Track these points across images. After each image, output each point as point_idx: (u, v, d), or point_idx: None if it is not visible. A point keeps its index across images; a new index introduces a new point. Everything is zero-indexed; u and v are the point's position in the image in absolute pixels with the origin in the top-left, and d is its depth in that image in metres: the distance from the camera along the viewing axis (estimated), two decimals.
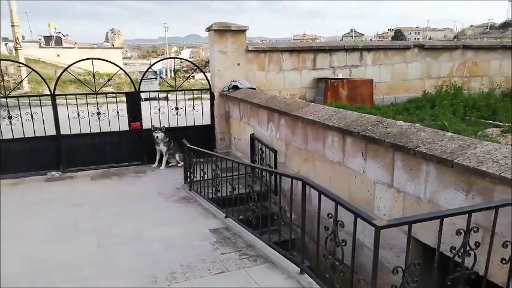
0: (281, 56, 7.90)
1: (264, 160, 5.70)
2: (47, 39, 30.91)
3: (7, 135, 6.40)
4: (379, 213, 3.52)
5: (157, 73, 16.87)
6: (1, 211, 5.17)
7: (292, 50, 8.06)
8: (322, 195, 2.73)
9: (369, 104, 8.05)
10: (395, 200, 3.36)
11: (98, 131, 6.86)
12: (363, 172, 3.70)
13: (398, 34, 78.62)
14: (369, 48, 8.75)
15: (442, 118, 5.88)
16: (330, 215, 2.54)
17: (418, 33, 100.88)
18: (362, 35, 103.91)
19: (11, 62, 13.94)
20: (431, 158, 2.89)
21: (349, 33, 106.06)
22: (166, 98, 10.72)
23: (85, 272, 3.52)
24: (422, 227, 2.83)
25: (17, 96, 7.04)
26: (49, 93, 6.61)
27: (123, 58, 35.96)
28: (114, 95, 7.59)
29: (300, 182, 3.09)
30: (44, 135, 6.62)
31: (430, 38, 77.05)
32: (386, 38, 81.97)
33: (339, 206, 2.50)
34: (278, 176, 3.95)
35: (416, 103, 7.71)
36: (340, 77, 8.40)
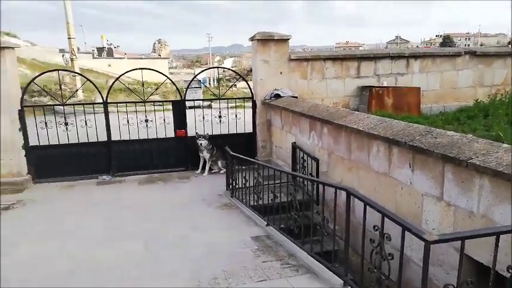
0: (324, 64, 7.86)
1: (306, 169, 5.66)
2: (100, 50, 32.80)
3: (63, 140, 6.83)
4: (428, 227, 3.38)
5: (201, 82, 17.32)
6: (58, 211, 5.53)
7: (335, 58, 7.99)
8: (368, 207, 2.67)
9: (416, 113, 7.78)
10: (445, 214, 3.21)
11: (146, 137, 7.15)
12: (410, 184, 3.58)
13: (447, 40, 75.37)
14: (416, 56, 8.49)
15: (496, 128, 5.55)
16: (376, 228, 2.48)
17: (469, 39, 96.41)
18: (408, 42, 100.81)
19: (66, 72, 14.92)
20: (485, 171, 2.74)
21: (394, 40, 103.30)
22: (209, 106, 10.98)
23: (132, 273, 3.67)
24: (476, 243, 2.69)
25: (73, 104, 7.50)
26: (102, 101, 7.00)
27: (169, 68, 37.27)
28: (161, 103, 7.87)
29: (343, 192, 3.04)
30: (97, 141, 7.00)
31: (481, 44, 73.18)
32: (433, 44, 78.94)
33: (385, 218, 2.43)
34: (321, 186, 3.90)
35: (468, 112, 7.35)
36: (385, 85, 8.21)
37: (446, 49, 10.27)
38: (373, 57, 8.26)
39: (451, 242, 2.94)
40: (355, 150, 4.52)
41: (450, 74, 8.64)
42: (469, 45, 77.35)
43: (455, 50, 9.21)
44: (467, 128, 6.04)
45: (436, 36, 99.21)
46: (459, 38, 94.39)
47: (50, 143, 6.77)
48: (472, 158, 2.86)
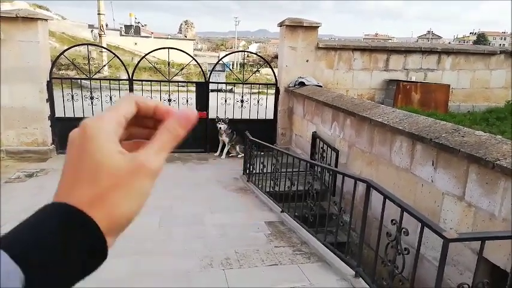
0: (352, 54, 7.70)
1: (325, 159, 5.61)
2: (127, 28, 33.00)
3: (88, 113, 6.97)
4: (445, 226, 3.31)
5: (225, 65, 17.27)
6: None
7: (364, 49, 7.82)
8: (387, 200, 2.63)
9: (443, 110, 7.58)
10: (464, 214, 3.14)
11: None
12: (431, 181, 3.50)
13: (481, 39, 72.58)
14: (448, 52, 8.22)
15: None
16: (393, 221, 2.45)
17: (505, 38, 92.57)
18: (440, 37, 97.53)
19: (94, 47, 15.14)
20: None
21: (425, 35, 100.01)
22: (231, 91, 10.98)
23: (147, 245, 3.75)
24: (494, 246, 2.62)
25: (99, 79, 7.62)
26: (127, 78, 7.08)
27: (194, 49, 37.27)
28: (185, 84, 7.91)
29: (361, 184, 3.01)
30: None
31: None
32: (467, 42, 76.15)
33: (404, 213, 2.39)
34: (341, 176, 3.87)
35: (498, 114, 7.11)
36: (413, 80, 8.00)
37: (481, 47, 9.89)
38: (404, 50, 8.04)
39: (467, 243, 2.88)
40: (377, 144, 4.44)
41: (482, 73, 8.34)
42: (504, 45, 74.34)
43: (490, 49, 8.87)
44: (496, 130, 5.85)
45: (470, 33, 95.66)
46: (494, 37, 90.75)
47: (75, 116, 6.92)
48: (499, 160, 2.77)
